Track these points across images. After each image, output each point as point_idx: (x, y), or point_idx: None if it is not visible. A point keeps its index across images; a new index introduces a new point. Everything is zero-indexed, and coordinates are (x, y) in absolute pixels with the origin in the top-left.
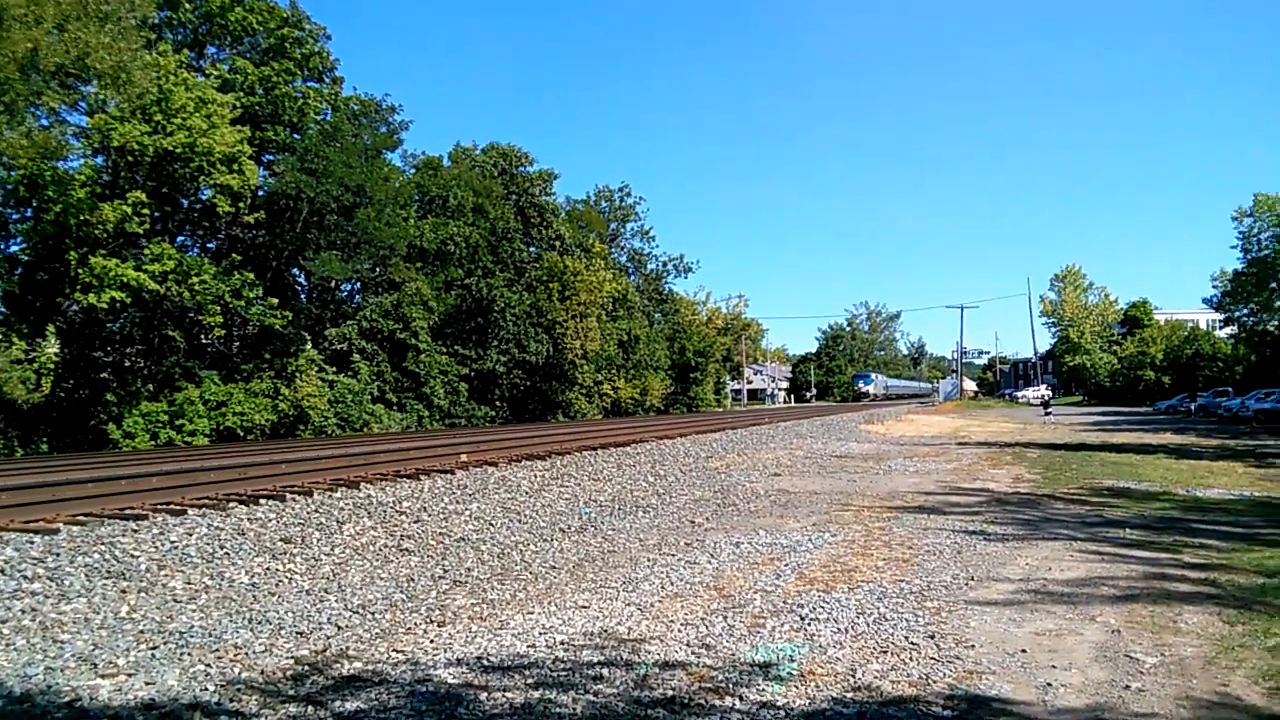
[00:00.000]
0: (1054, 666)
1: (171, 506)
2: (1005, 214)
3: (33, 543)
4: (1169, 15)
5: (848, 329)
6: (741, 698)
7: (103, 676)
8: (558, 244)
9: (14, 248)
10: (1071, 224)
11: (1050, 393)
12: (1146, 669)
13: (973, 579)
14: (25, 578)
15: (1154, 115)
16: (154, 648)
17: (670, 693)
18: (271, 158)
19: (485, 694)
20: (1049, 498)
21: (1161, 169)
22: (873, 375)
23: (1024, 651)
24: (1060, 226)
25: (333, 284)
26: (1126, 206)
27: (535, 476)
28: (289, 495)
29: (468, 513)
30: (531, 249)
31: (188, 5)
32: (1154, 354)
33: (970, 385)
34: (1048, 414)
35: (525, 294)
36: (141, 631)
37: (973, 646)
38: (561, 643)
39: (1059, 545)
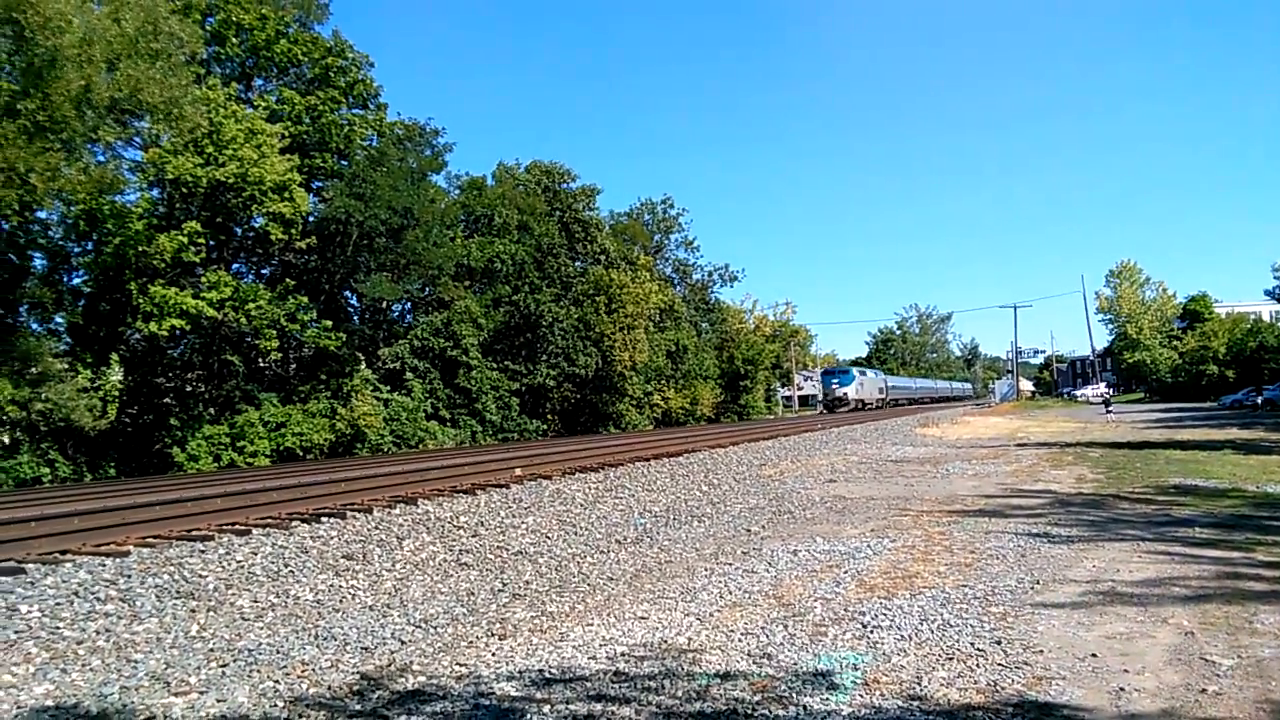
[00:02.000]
0: (1126, 671)
1: (236, 526)
2: (1057, 212)
3: (105, 565)
4: (1224, 7)
5: (898, 332)
6: (805, 708)
7: (175, 695)
8: (603, 258)
9: (76, 280)
10: (1125, 219)
11: (1110, 390)
12: (1223, 671)
13: (1038, 582)
14: (99, 599)
15: (1208, 107)
16: (224, 665)
17: (732, 703)
18: (321, 184)
19: (547, 706)
20: (1114, 498)
21: (1216, 160)
22: (856, 372)
23: (1094, 656)
24: (1113, 222)
25: (384, 305)
26: (1182, 199)
27: (589, 488)
28: (349, 513)
29: (524, 526)
30: (577, 264)
31: (234, 40)
32: (1216, 348)
33: (1027, 385)
34: (1109, 412)
35: (572, 308)
36: (211, 650)
37: (1041, 652)
38: (621, 654)
39: (1126, 546)
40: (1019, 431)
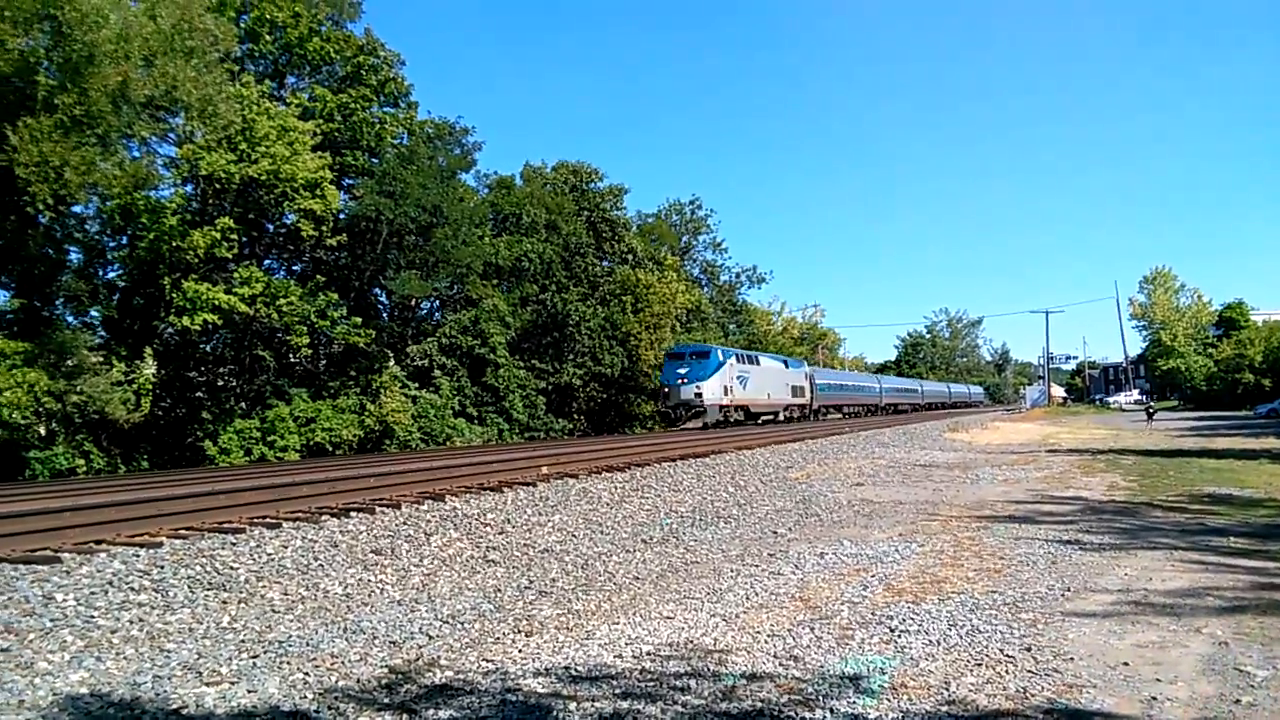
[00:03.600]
0: (1158, 680)
1: (267, 520)
2: (1090, 217)
3: (138, 556)
4: (1264, 12)
5: (928, 336)
6: (831, 710)
7: (207, 684)
8: (630, 258)
9: (111, 274)
10: (1160, 225)
11: (1145, 397)
12: (1258, 683)
13: (1069, 590)
14: (133, 589)
15: (1247, 111)
16: (254, 656)
17: (758, 704)
18: (351, 182)
19: (574, 704)
20: (1146, 505)
21: (1255, 166)
22: (726, 355)
23: (1126, 664)
24: (1148, 228)
25: (413, 302)
26: (1218, 205)
27: (615, 488)
28: (378, 508)
29: (550, 524)
30: (604, 263)
31: (268, 38)
32: (1252, 356)
33: (1058, 391)
34: (1152, 420)
35: (599, 308)
36: (242, 641)
37: (1072, 659)
38: (647, 653)
39: (1159, 555)
40: (1050, 438)
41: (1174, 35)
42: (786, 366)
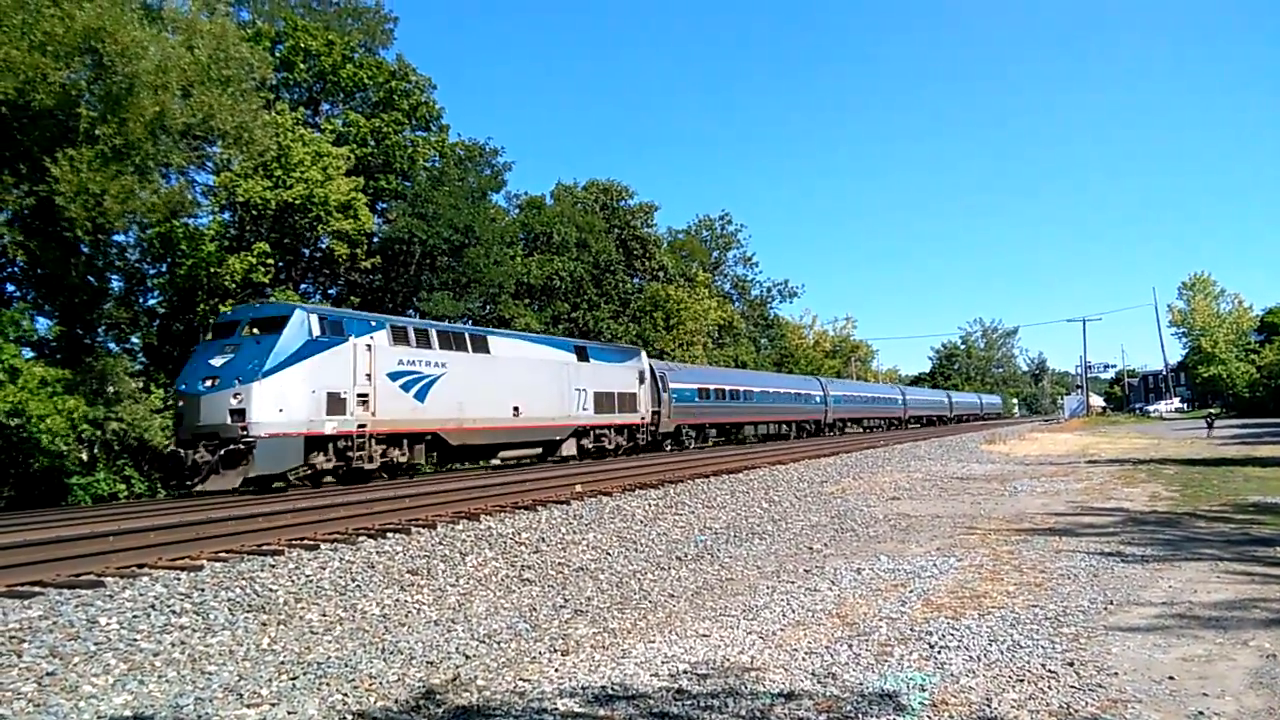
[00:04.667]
0: (1205, 694)
1: (305, 542)
2: (1127, 224)
3: (179, 579)
4: None
5: (962, 347)
6: None
7: (248, 706)
8: (660, 274)
9: (152, 301)
10: (1198, 230)
11: (1188, 405)
12: None
13: (1111, 603)
14: (174, 612)
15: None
16: (294, 678)
17: None
18: (385, 205)
19: None
20: (1190, 516)
21: None
22: (321, 321)
23: (1171, 679)
24: (1186, 234)
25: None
26: (1257, 210)
27: (649, 505)
28: (413, 529)
29: (585, 542)
30: (635, 280)
31: (302, 66)
32: None
33: (1097, 401)
34: (1211, 430)
35: (631, 325)
36: (282, 662)
37: (1116, 674)
38: (684, 671)
39: (1204, 566)
40: (1089, 448)
41: (1207, 37)
42: (585, 358)
